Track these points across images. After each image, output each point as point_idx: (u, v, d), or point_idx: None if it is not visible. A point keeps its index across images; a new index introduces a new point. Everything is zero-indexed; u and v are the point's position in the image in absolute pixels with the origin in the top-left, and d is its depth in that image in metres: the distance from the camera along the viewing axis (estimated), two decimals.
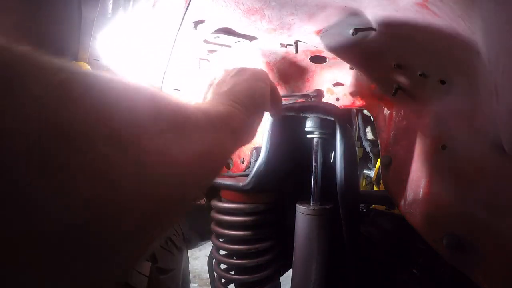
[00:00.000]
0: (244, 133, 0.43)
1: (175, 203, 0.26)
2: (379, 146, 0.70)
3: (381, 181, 1.06)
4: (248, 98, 0.45)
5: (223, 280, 0.84)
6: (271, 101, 0.53)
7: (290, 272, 0.74)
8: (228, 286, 0.86)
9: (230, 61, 0.84)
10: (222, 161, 0.38)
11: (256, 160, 0.76)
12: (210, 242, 0.89)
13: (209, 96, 0.46)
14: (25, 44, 0.20)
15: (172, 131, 0.26)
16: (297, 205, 0.68)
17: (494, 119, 0.44)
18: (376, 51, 0.59)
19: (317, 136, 0.68)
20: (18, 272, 0.16)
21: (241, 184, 0.76)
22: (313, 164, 0.68)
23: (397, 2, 0.46)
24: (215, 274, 0.86)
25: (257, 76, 0.50)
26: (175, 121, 0.28)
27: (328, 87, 0.81)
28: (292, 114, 0.69)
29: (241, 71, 0.50)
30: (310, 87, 0.84)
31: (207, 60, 0.85)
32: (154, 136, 0.24)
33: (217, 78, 0.51)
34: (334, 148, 0.68)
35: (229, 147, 0.38)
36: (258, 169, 0.73)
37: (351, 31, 0.55)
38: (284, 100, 0.80)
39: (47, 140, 0.17)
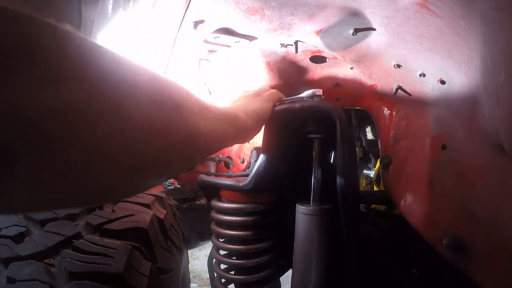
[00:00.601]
0: (247, 134, 0.56)
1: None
2: (379, 146, 0.70)
3: (381, 181, 1.06)
4: (250, 112, 0.58)
5: (223, 280, 0.84)
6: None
7: (290, 272, 0.74)
8: (228, 286, 0.86)
9: (230, 61, 0.84)
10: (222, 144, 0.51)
11: (256, 160, 0.76)
12: (210, 242, 0.89)
13: (238, 102, 0.62)
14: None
15: (198, 106, 0.39)
16: (297, 205, 0.68)
17: (494, 119, 0.44)
18: (376, 51, 0.59)
19: (317, 136, 0.68)
20: None
21: (241, 184, 0.76)
22: (313, 164, 0.68)
23: (397, 2, 0.46)
24: (215, 274, 0.86)
25: (266, 100, 0.65)
26: (200, 105, 0.39)
27: (328, 87, 0.81)
28: (292, 114, 0.69)
29: (254, 95, 0.66)
30: (310, 87, 0.84)
31: (207, 60, 0.85)
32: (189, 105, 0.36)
33: (247, 94, 0.67)
34: (334, 148, 0.68)
35: (231, 139, 0.51)
36: (258, 169, 0.73)
37: (351, 31, 0.56)
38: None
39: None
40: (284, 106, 0.68)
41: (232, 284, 0.85)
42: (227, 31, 0.69)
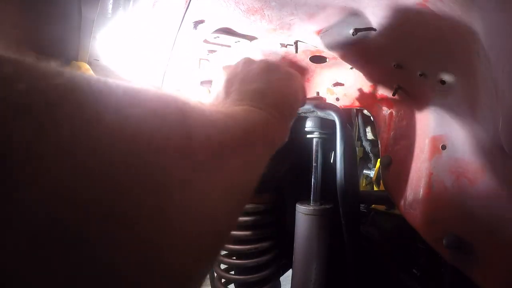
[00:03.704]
0: (282, 139, 0.37)
1: (208, 244, 0.22)
2: (379, 146, 0.70)
3: (381, 181, 1.06)
4: (287, 105, 0.38)
5: (223, 280, 0.84)
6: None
7: (290, 272, 0.74)
8: (228, 286, 0.86)
9: (230, 61, 0.84)
10: (254, 186, 0.31)
11: None
12: None
13: (235, 94, 0.37)
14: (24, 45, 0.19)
15: (205, 167, 0.21)
16: (297, 205, 0.68)
17: (494, 119, 0.44)
18: (376, 51, 0.59)
19: (317, 136, 0.68)
20: None
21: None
22: (313, 164, 0.68)
23: (397, 2, 0.46)
24: (215, 274, 0.86)
25: (293, 77, 0.43)
26: (209, 151, 0.22)
27: (328, 87, 0.81)
28: None
29: (272, 67, 0.42)
30: (310, 87, 0.84)
31: (207, 60, 0.85)
32: (185, 179, 0.20)
33: (236, 72, 0.42)
34: (334, 148, 0.68)
35: (263, 167, 0.32)
36: None
37: (351, 31, 0.55)
38: None
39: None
40: None
41: (232, 284, 0.85)
42: (227, 31, 0.69)
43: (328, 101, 0.80)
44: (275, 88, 0.38)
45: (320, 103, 0.68)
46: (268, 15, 0.60)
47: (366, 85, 0.74)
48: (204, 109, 0.25)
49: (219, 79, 0.43)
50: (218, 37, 0.71)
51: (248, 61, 0.44)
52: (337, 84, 0.80)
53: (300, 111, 0.69)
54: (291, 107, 0.40)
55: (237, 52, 0.79)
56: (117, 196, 0.15)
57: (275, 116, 0.35)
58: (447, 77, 0.53)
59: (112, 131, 0.16)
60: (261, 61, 0.44)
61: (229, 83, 0.40)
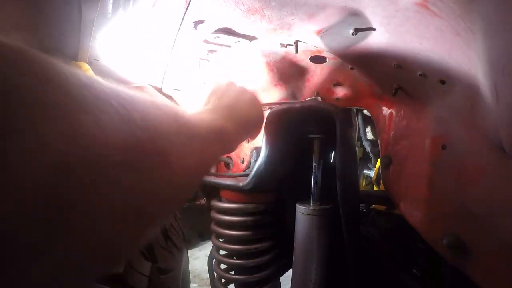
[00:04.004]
0: (232, 147, 0.52)
1: (181, 198, 0.36)
2: (379, 146, 0.70)
3: (381, 181, 1.06)
4: (243, 121, 0.53)
5: (223, 280, 0.84)
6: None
7: (290, 272, 0.74)
8: (228, 286, 0.86)
9: (230, 61, 0.84)
10: (211, 166, 0.47)
11: (256, 160, 0.76)
12: (210, 242, 0.89)
13: (211, 105, 0.54)
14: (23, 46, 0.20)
15: (187, 145, 0.33)
16: (297, 205, 0.68)
17: (494, 119, 0.44)
18: (376, 51, 0.59)
19: (317, 136, 0.68)
20: None
21: (241, 184, 0.76)
22: (313, 164, 0.68)
23: (397, 2, 0.46)
24: (215, 274, 0.86)
25: (255, 104, 0.59)
26: (190, 137, 0.34)
27: (328, 87, 0.81)
28: (292, 114, 0.69)
29: (242, 92, 0.58)
30: (310, 87, 0.84)
31: (207, 60, 0.85)
32: (178, 148, 0.30)
33: (219, 90, 0.57)
34: (334, 148, 0.68)
35: (218, 157, 0.46)
36: (258, 169, 0.73)
37: (351, 31, 0.55)
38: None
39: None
40: (284, 107, 0.68)
41: (232, 284, 0.85)
42: (227, 31, 0.69)
43: (328, 101, 0.80)
44: (237, 108, 0.53)
45: (320, 103, 0.68)
46: (268, 15, 0.60)
47: (366, 85, 0.74)
48: (184, 112, 0.36)
49: (206, 92, 0.59)
50: (218, 37, 0.71)
51: (229, 84, 0.59)
52: (337, 84, 0.80)
53: (300, 111, 0.69)
54: (247, 124, 0.55)
55: (237, 52, 0.79)
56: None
57: (233, 128, 0.48)
58: (447, 77, 0.54)
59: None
60: (234, 84, 0.60)
61: (211, 96, 0.57)
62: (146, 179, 0.25)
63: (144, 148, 0.25)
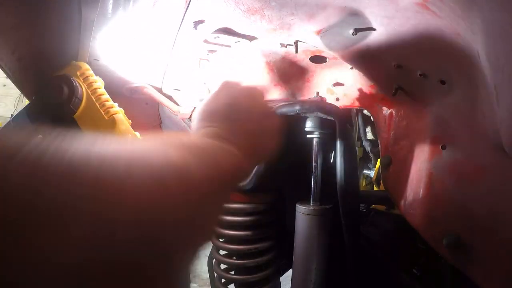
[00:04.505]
0: (239, 181, 0.41)
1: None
2: (379, 146, 0.70)
3: (381, 181, 1.06)
4: (252, 146, 0.38)
5: (223, 280, 0.84)
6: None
7: (290, 272, 0.74)
8: (228, 286, 0.86)
9: (230, 61, 0.84)
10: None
11: None
12: (210, 242, 0.89)
13: (219, 125, 0.38)
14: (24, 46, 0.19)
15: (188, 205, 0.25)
16: (297, 205, 0.68)
17: (494, 119, 0.44)
18: (376, 51, 0.59)
19: (317, 136, 0.68)
20: None
21: (241, 184, 0.76)
22: (313, 164, 0.68)
23: (397, 2, 0.46)
24: (215, 274, 0.86)
25: (269, 119, 0.43)
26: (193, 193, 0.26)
27: (328, 87, 0.81)
28: (292, 114, 0.69)
29: (253, 104, 0.42)
30: (310, 87, 0.84)
31: (207, 60, 0.85)
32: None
33: (228, 102, 0.43)
34: (334, 148, 0.68)
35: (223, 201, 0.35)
36: (258, 169, 0.73)
37: (351, 31, 0.55)
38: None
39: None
40: (284, 107, 0.68)
41: (232, 284, 0.85)
42: (227, 31, 0.69)
43: (328, 101, 0.80)
44: (249, 131, 0.39)
45: (320, 103, 0.68)
46: (268, 15, 0.60)
47: (366, 85, 0.74)
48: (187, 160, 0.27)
49: (199, 108, 0.44)
50: (218, 37, 0.71)
51: (225, 86, 0.44)
52: (337, 84, 0.80)
53: (300, 112, 0.69)
54: (260, 153, 0.41)
55: (237, 52, 0.79)
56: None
57: (239, 158, 0.35)
58: (447, 77, 0.53)
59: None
60: (246, 95, 0.44)
61: (209, 113, 0.41)
62: None
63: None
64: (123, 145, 0.25)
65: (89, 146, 0.21)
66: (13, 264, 0.16)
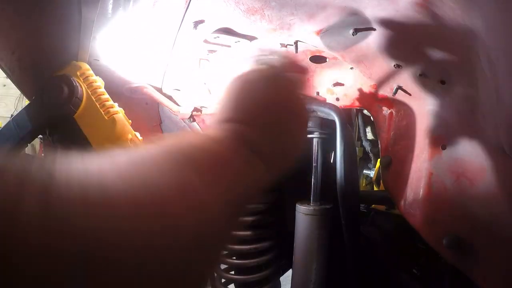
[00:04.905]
0: (254, 201, 0.34)
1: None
2: (379, 146, 0.70)
3: (381, 181, 1.06)
4: (281, 155, 0.34)
5: (223, 280, 0.84)
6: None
7: (290, 272, 0.74)
8: (228, 286, 0.86)
9: (230, 61, 0.84)
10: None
11: None
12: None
13: (233, 116, 0.33)
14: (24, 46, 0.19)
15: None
16: (297, 205, 0.68)
17: (494, 120, 0.44)
18: (376, 51, 0.59)
19: (317, 136, 0.68)
20: None
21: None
22: (313, 164, 0.68)
23: (397, 2, 0.46)
24: (215, 274, 0.86)
25: (301, 117, 0.36)
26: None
27: (328, 87, 0.81)
28: None
29: (285, 101, 0.35)
30: (310, 87, 0.84)
31: (207, 60, 0.85)
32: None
33: (245, 95, 0.35)
34: (334, 148, 0.68)
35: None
36: None
37: (351, 31, 0.55)
38: None
39: None
40: None
41: (232, 284, 0.85)
42: (227, 31, 0.69)
43: (328, 101, 0.80)
44: (282, 137, 0.34)
45: (320, 103, 0.68)
46: (268, 15, 0.60)
47: (366, 85, 0.74)
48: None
49: (225, 97, 0.36)
50: (218, 37, 0.71)
51: (273, 83, 0.36)
52: (337, 84, 0.80)
53: None
54: (287, 163, 0.36)
55: (237, 52, 0.79)
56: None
57: (261, 173, 0.31)
58: (447, 77, 0.53)
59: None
60: (289, 91, 0.36)
61: (242, 106, 0.35)
62: None
63: None
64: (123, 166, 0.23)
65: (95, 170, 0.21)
66: None
